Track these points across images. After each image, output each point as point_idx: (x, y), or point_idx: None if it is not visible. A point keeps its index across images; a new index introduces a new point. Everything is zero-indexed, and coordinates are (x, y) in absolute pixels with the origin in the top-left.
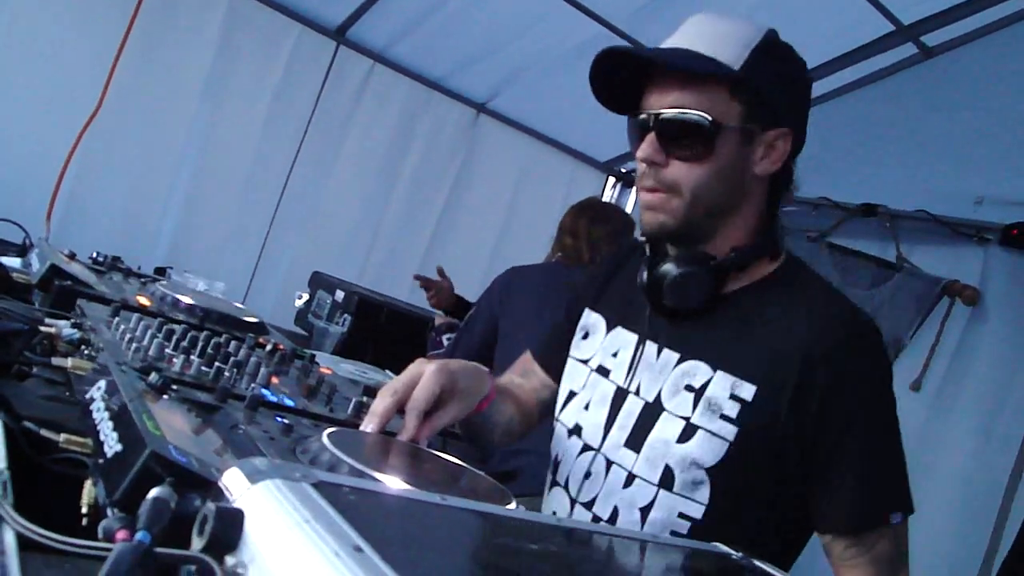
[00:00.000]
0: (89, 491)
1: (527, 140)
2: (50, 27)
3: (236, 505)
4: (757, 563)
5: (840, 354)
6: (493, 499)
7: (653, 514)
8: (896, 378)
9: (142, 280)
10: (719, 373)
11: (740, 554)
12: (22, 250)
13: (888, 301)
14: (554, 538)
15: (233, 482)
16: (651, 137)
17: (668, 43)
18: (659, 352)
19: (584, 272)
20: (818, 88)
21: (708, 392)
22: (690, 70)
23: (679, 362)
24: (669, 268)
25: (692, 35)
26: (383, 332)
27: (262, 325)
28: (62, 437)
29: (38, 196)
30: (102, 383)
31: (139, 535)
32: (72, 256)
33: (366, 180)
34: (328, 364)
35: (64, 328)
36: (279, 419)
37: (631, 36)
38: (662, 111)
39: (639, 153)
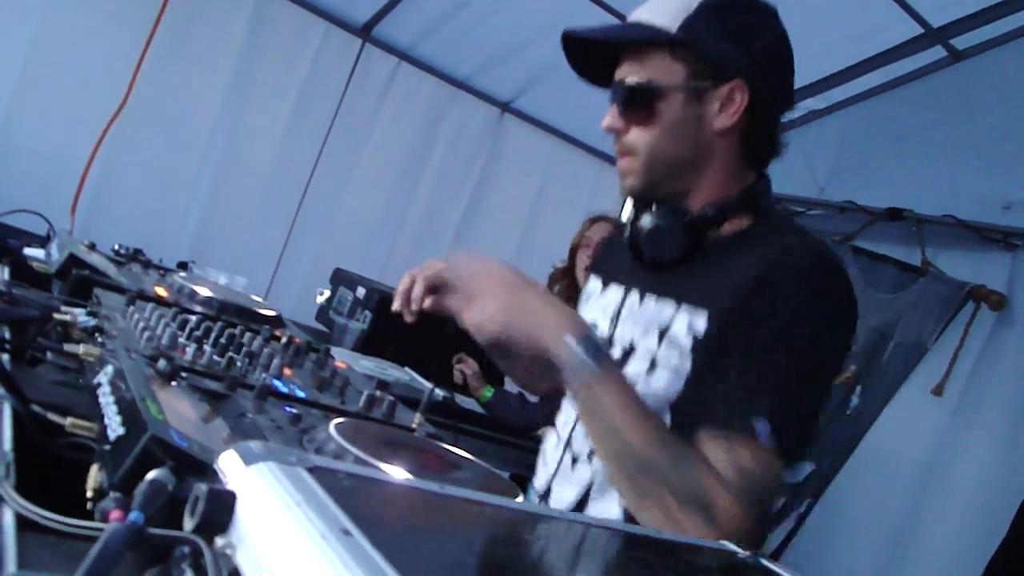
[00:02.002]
0: (94, 475)
1: (551, 140)
2: (79, 22)
3: (229, 487)
4: (763, 561)
5: (780, 277)
6: (499, 492)
7: None
8: (917, 383)
9: (161, 272)
10: (682, 307)
11: (747, 552)
12: (45, 241)
13: (912, 305)
14: (550, 530)
15: (228, 464)
16: (612, 107)
17: (632, 15)
18: (641, 300)
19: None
20: (845, 91)
21: (671, 329)
22: (624, 40)
23: (655, 304)
24: (646, 222)
25: (644, 6)
26: (403, 329)
27: (279, 318)
28: (68, 421)
29: (64, 189)
30: (109, 368)
31: (132, 515)
32: (92, 247)
33: (390, 178)
34: (347, 360)
35: (79, 316)
36: (288, 409)
37: None
38: (617, 82)
39: (602, 123)
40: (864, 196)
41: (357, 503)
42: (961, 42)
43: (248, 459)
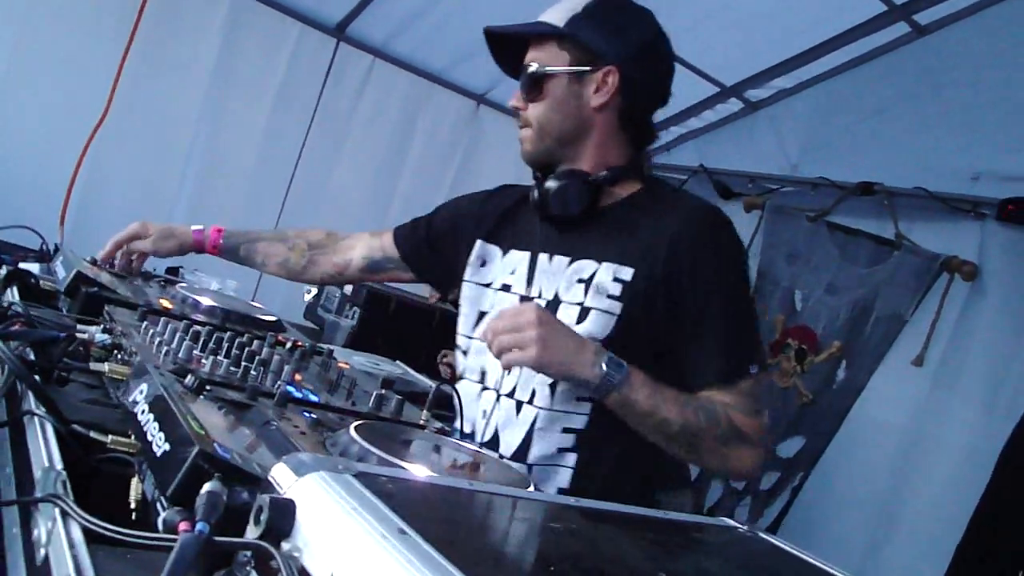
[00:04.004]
0: (136, 487)
1: None
2: (56, 36)
3: (287, 496)
4: (761, 534)
5: (700, 240)
6: (511, 482)
7: (560, 386)
8: (898, 354)
9: (160, 283)
10: (603, 264)
11: (745, 527)
12: (40, 255)
13: (888, 278)
14: (572, 517)
15: (281, 475)
16: (517, 90)
17: (540, 16)
18: (551, 259)
19: (469, 201)
20: (813, 69)
21: (596, 280)
22: (523, 34)
23: (570, 263)
24: (552, 183)
25: (549, 9)
26: (392, 323)
27: (279, 323)
28: (109, 438)
29: (51, 201)
30: (144, 387)
31: (199, 526)
32: (95, 262)
33: (370, 173)
34: (341, 357)
35: (96, 334)
36: (307, 414)
37: None
38: (521, 69)
39: (509, 102)
40: (836, 172)
41: (403, 504)
42: (924, 17)
43: (300, 470)
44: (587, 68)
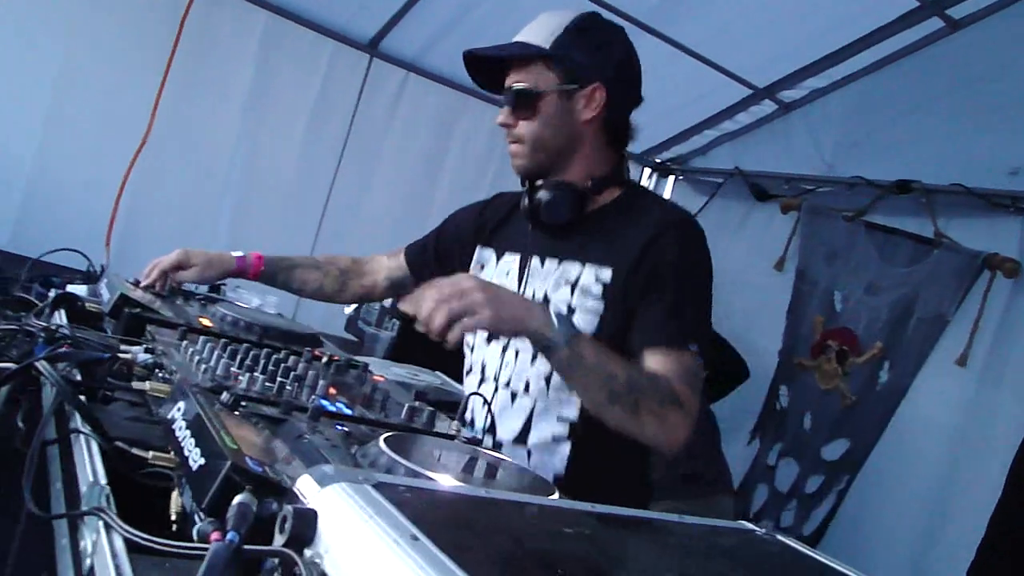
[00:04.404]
0: (176, 500)
1: None
2: (98, 61)
3: (310, 506)
4: (779, 537)
5: (666, 238)
6: (536, 491)
7: (554, 377)
8: (941, 354)
9: (201, 301)
10: (587, 266)
11: (763, 530)
12: (87, 276)
13: (929, 277)
14: (586, 522)
15: (306, 486)
16: (504, 108)
17: (516, 37)
18: (542, 262)
19: (469, 212)
20: (846, 68)
21: (580, 281)
22: (512, 55)
23: (557, 266)
24: (543, 192)
25: (530, 27)
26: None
27: (316, 337)
28: (150, 454)
29: (96, 224)
30: (181, 404)
31: (229, 535)
32: (137, 284)
33: (406, 186)
34: (380, 369)
35: (139, 354)
36: (339, 427)
37: (655, 28)
38: (507, 88)
39: (496, 120)
40: (872, 171)
41: (418, 512)
42: (957, 12)
43: (323, 481)
44: (575, 86)
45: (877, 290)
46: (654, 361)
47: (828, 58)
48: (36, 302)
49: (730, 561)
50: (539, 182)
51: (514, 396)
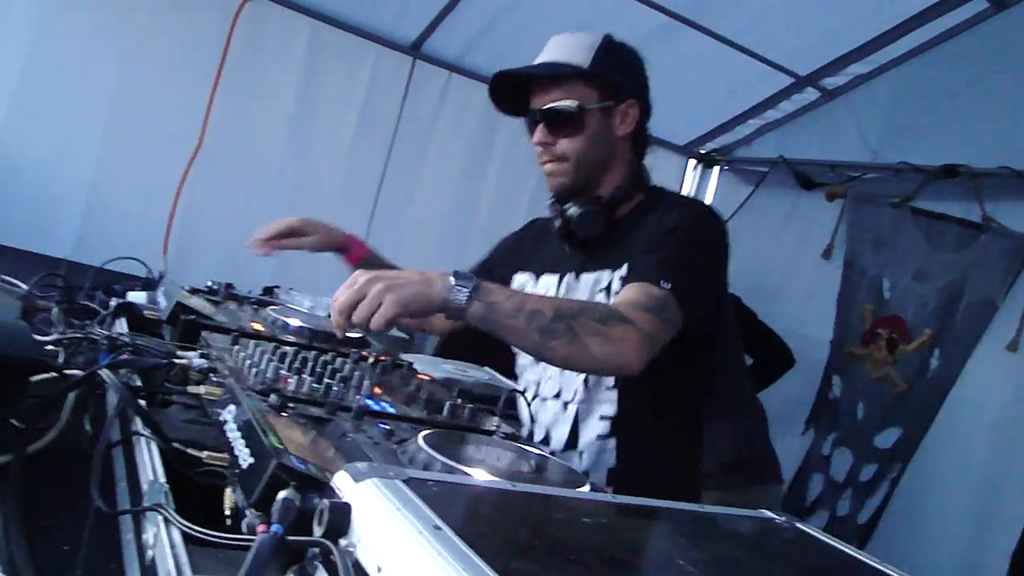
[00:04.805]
0: (229, 497)
1: None
2: (152, 76)
3: (345, 500)
4: (798, 524)
5: (669, 214)
6: (568, 484)
7: (591, 379)
8: (991, 339)
9: (254, 306)
10: (616, 271)
11: (783, 518)
12: (146, 283)
13: (977, 262)
14: (608, 513)
15: (342, 482)
16: (541, 126)
17: (538, 59)
18: (577, 277)
19: (509, 240)
20: (889, 53)
21: (612, 287)
22: (555, 75)
23: (591, 277)
24: (573, 210)
25: (554, 50)
26: (480, 330)
27: (364, 339)
28: (204, 454)
29: (154, 232)
30: (232, 407)
31: (274, 527)
32: (193, 291)
33: (453, 186)
34: (428, 366)
35: (194, 359)
36: (381, 426)
37: (696, 22)
38: (545, 107)
39: (534, 139)
40: (918, 156)
41: (444, 504)
42: None
43: (357, 477)
44: (612, 102)
45: (925, 277)
46: (625, 291)
47: (870, 43)
48: (99, 309)
49: (743, 548)
50: (568, 202)
51: (565, 405)
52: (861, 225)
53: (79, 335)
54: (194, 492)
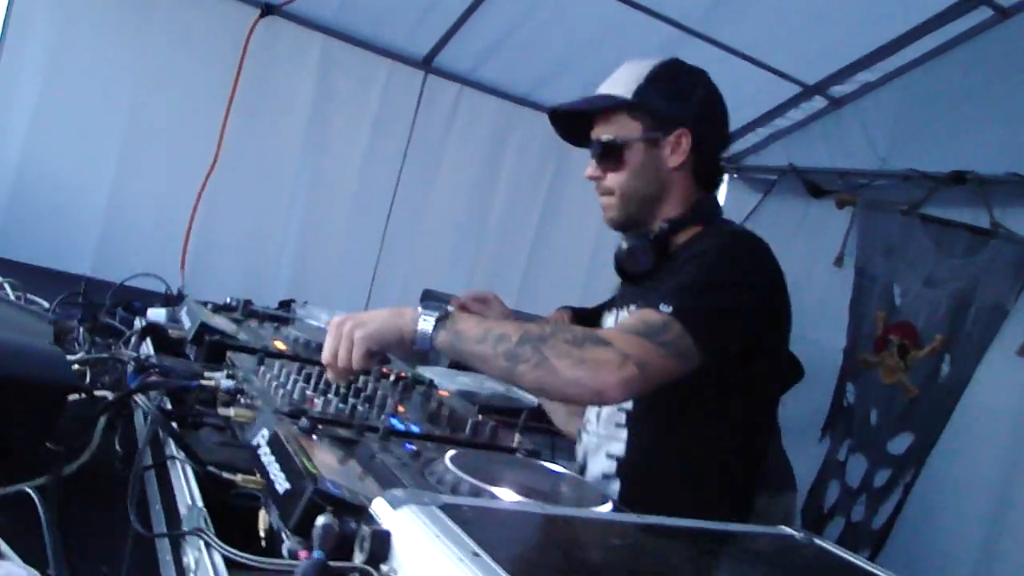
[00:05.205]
0: (263, 518)
1: None
2: (167, 94)
3: (384, 527)
4: (816, 540)
5: (701, 243)
6: (592, 502)
7: (604, 411)
8: (1001, 344)
9: (275, 324)
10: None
11: (801, 534)
12: (166, 299)
13: (986, 268)
14: (636, 534)
15: (380, 509)
16: (592, 161)
17: (600, 86)
18: (628, 312)
19: None
20: (896, 61)
21: None
22: (594, 108)
23: (636, 311)
24: (622, 245)
25: (612, 78)
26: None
27: (384, 356)
28: (239, 478)
29: (171, 248)
30: (265, 431)
31: (315, 554)
32: (215, 309)
33: (464, 198)
34: (445, 378)
35: (221, 380)
36: (408, 446)
37: (703, 33)
38: (592, 141)
39: (584, 174)
40: (926, 163)
41: (479, 530)
42: (1006, 0)
43: (394, 504)
44: (659, 134)
45: (935, 283)
46: (623, 322)
47: (877, 52)
48: (121, 327)
49: (768, 567)
50: (621, 237)
51: (582, 431)
52: (871, 232)
53: (105, 355)
54: (226, 512)
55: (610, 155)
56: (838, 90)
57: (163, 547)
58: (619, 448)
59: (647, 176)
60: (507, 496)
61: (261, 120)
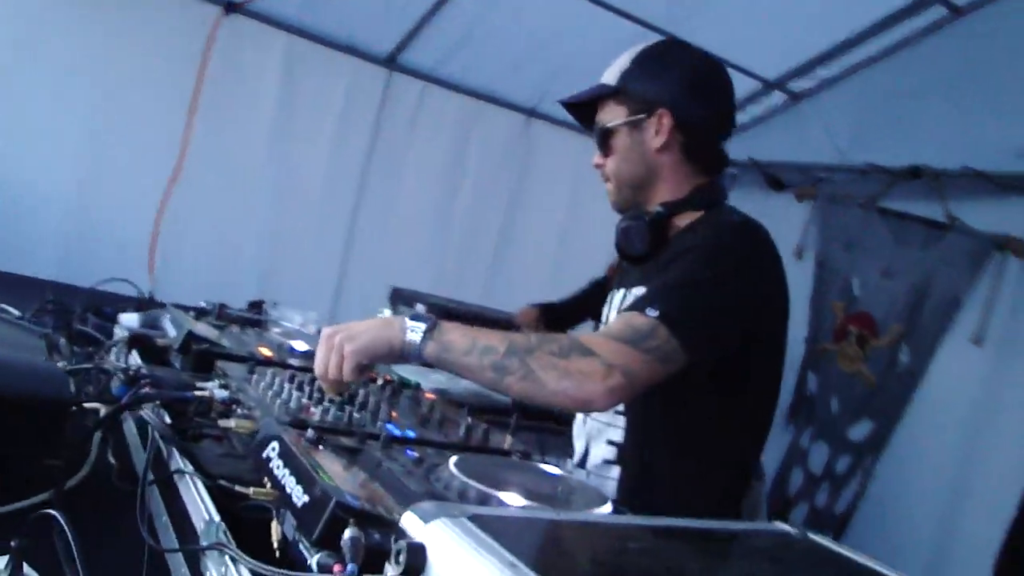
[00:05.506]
0: (276, 529)
1: (580, 138)
2: (130, 95)
3: (418, 540)
4: (811, 535)
5: (695, 232)
6: (595, 503)
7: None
8: (957, 334)
9: (256, 328)
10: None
11: (796, 530)
12: (138, 304)
13: (942, 260)
14: (647, 537)
15: (410, 523)
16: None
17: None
18: (627, 292)
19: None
20: (853, 57)
21: None
22: (583, 98)
23: (629, 292)
24: (619, 226)
25: (607, 69)
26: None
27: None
28: (251, 490)
29: (138, 250)
30: (275, 444)
31: (349, 567)
32: (197, 317)
33: (430, 194)
34: (418, 376)
35: (216, 390)
36: (409, 453)
37: (666, 29)
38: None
39: (592, 161)
40: (884, 157)
41: (511, 540)
42: None
43: (426, 518)
44: (642, 116)
45: (893, 274)
46: (606, 325)
47: (836, 48)
48: (97, 335)
49: (772, 564)
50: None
51: (585, 419)
52: (831, 225)
53: (88, 366)
54: (236, 524)
55: (604, 142)
56: (798, 85)
57: (176, 561)
58: (618, 435)
59: (633, 160)
60: (514, 501)
61: (226, 120)
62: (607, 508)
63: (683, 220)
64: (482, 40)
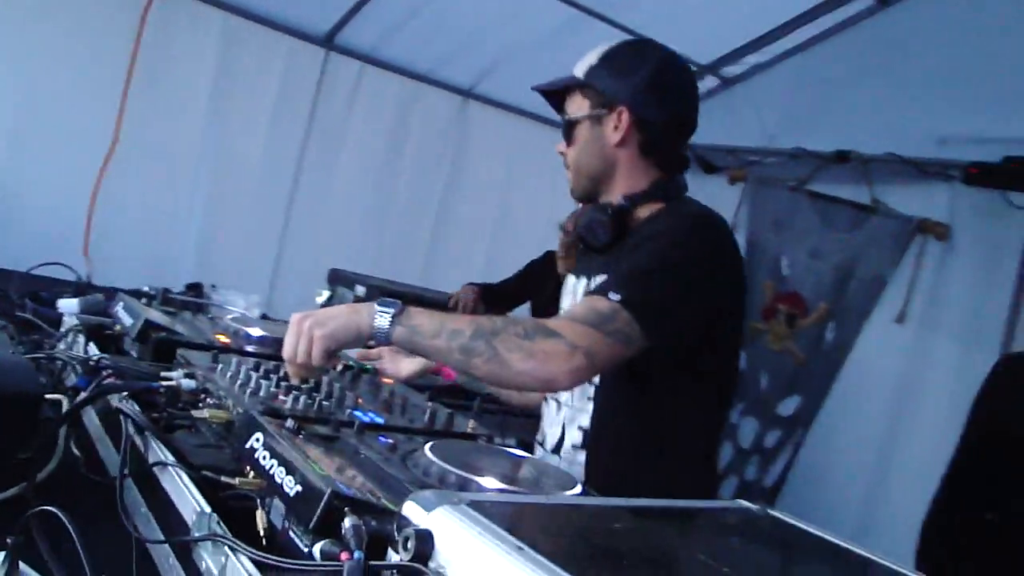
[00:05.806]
0: (261, 517)
1: (515, 119)
2: (60, 75)
3: (424, 527)
4: (771, 511)
5: (657, 222)
6: (567, 485)
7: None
8: (881, 313)
9: (208, 315)
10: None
11: (758, 506)
12: (77, 288)
13: (868, 242)
14: (628, 517)
15: (412, 511)
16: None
17: None
18: (589, 280)
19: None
20: (784, 44)
21: None
22: (552, 88)
23: (590, 280)
24: (583, 217)
25: (579, 61)
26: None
27: None
28: (237, 480)
29: (72, 233)
30: (259, 435)
31: (356, 554)
32: (151, 300)
33: (368, 175)
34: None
35: (182, 380)
36: (383, 439)
37: (603, 14)
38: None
39: (556, 149)
40: (813, 142)
41: (511, 524)
42: None
43: (428, 506)
44: (603, 111)
45: (820, 255)
46: (569, 309)
47: (767, 35)
48: (39, 322)
49: (745, 539)
50: (583, 207)
51: (559, 406)
52: (761, 207)
53: (41, 355)
54: (220, 514)
55: (568, 132)
56: (729, 71)
57: (161, 553)
58: (587, 420)
59: (592, 152)
60: (491, 484)
61: (161, 99)
62: (577, 490)
63: (644, 211)
64: (422, 22)
